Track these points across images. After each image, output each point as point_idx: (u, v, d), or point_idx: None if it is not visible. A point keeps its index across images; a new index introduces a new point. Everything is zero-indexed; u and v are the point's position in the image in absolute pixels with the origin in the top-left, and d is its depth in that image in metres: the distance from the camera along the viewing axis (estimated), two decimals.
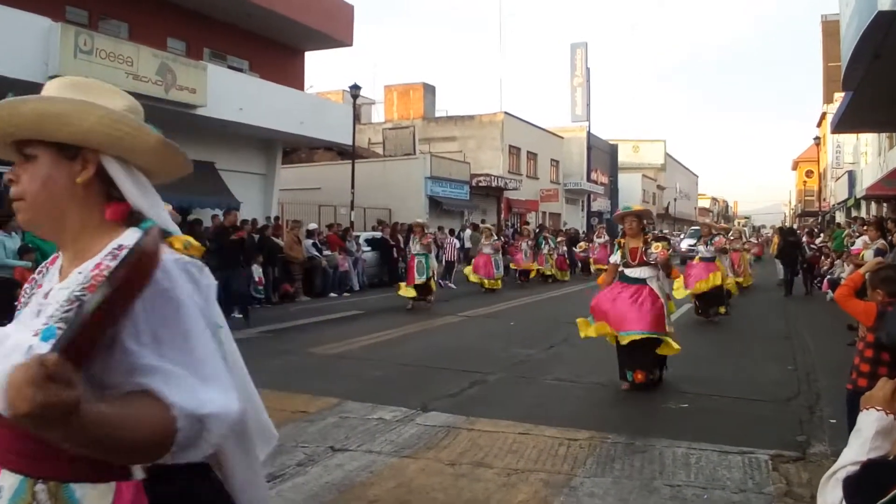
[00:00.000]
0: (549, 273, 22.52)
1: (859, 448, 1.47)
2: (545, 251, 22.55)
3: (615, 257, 7.66)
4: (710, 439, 5.51)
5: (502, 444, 5.44)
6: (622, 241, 7.61)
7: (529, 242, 22.15)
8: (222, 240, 13.23)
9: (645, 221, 7.85)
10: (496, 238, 20.38)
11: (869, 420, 1.49)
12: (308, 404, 6.67)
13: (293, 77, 23.61)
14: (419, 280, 14.82)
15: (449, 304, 15.83)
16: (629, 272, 7.41)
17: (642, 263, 7.33)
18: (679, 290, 12.50)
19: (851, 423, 4.19)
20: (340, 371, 8.56)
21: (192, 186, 18.46)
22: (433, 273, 15.41)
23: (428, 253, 15.24)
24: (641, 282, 7.32)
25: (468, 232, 25.67)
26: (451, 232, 24.31)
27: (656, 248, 7.30)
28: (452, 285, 20.45)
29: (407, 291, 14.94)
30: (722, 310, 13.02)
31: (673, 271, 8.04)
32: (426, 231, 15.99)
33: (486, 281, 19.07)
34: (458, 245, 23.71)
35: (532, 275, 21.91)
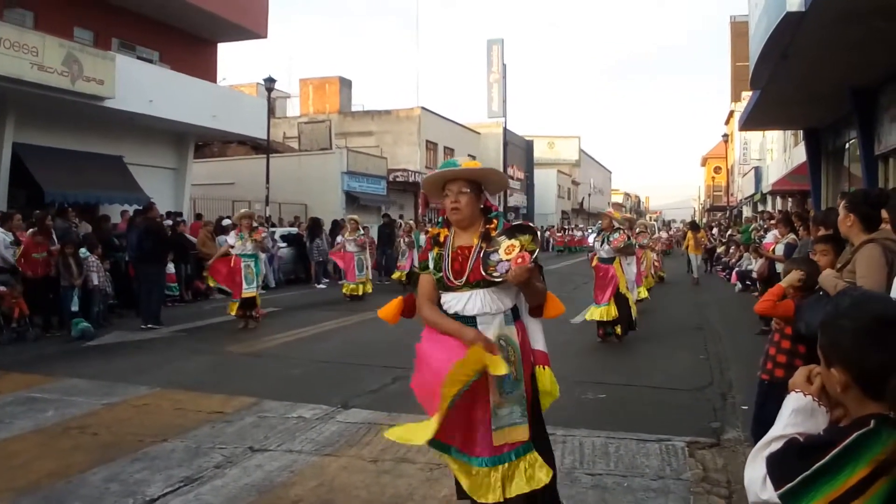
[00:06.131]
0: None
1: (778, 424, 1.67)
2: None
3: (429, 267, 3.46)
4: (627, 428, 5.60)
5: None
6: (441, 232, 3.50)
7: (406, 240, 18.53)
8: (161, 235, 12.70)
9: (487, 196, 3.50)
10: (361, 233, 16.51)
11: (789, 400, 1.69)
12: (225, 404, 6.50)
13: (205, 69, 23.03)
14: (248, 291, 11.37)
15: (364, 301, 15.67)
16: (448, 300, 3.36)
17: (480, 282, 3.27)
18: (593, 311, 10.04)
19: (765, 413, 4.33)
20: (258, 369, 8.39)
21: (100, 181, 17.91)
22: (262, 281, 12.59)
23: (258, 254, 12.02)
24: (471, 322, 3.27)
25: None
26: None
27: (507, 252, 3.22)
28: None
29: (234, 308, 11.59)
30: (618, 330, 9.91)
31: (549, 301, 3.38)
32: (256, 225, 12.32)
33: (349, 286, 15.99)
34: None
35: (398, 276, 18.67)
